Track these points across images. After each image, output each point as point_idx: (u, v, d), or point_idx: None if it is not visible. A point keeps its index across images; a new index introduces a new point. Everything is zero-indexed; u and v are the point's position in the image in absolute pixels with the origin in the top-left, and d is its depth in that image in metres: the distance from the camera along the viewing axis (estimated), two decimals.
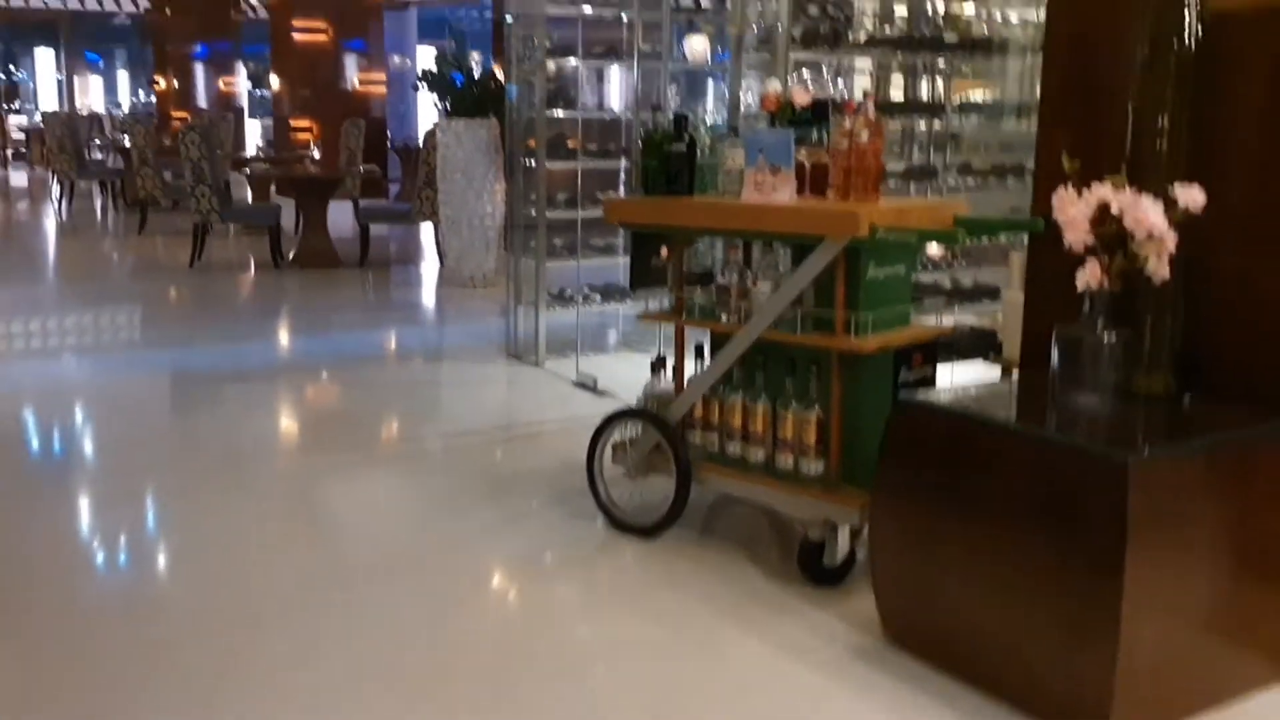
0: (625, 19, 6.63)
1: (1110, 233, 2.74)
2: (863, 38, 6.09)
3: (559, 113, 6.65)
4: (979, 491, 2.81)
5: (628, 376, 5.59)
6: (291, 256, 10.28)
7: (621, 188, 6.92)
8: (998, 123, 6.71)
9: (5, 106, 27.25)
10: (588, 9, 6.56)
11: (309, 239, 10.38)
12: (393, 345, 7.62)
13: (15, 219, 15.53)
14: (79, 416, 5.62)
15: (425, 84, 9.88)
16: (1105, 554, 2.50)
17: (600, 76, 8.64)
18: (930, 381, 3.48)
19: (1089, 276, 2.79)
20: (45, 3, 21.45)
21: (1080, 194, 2.79)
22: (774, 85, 3.96)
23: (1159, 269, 2.76)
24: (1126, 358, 2.87)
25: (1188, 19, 2.89)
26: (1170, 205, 2.73)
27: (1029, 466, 2.71)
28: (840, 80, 6.85)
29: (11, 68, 28.92)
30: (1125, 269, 2.78)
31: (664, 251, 3.96)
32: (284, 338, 7.83)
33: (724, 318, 3.67)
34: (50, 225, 14.27)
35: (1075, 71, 3.33)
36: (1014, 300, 4.78)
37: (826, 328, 3.39)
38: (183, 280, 9.56)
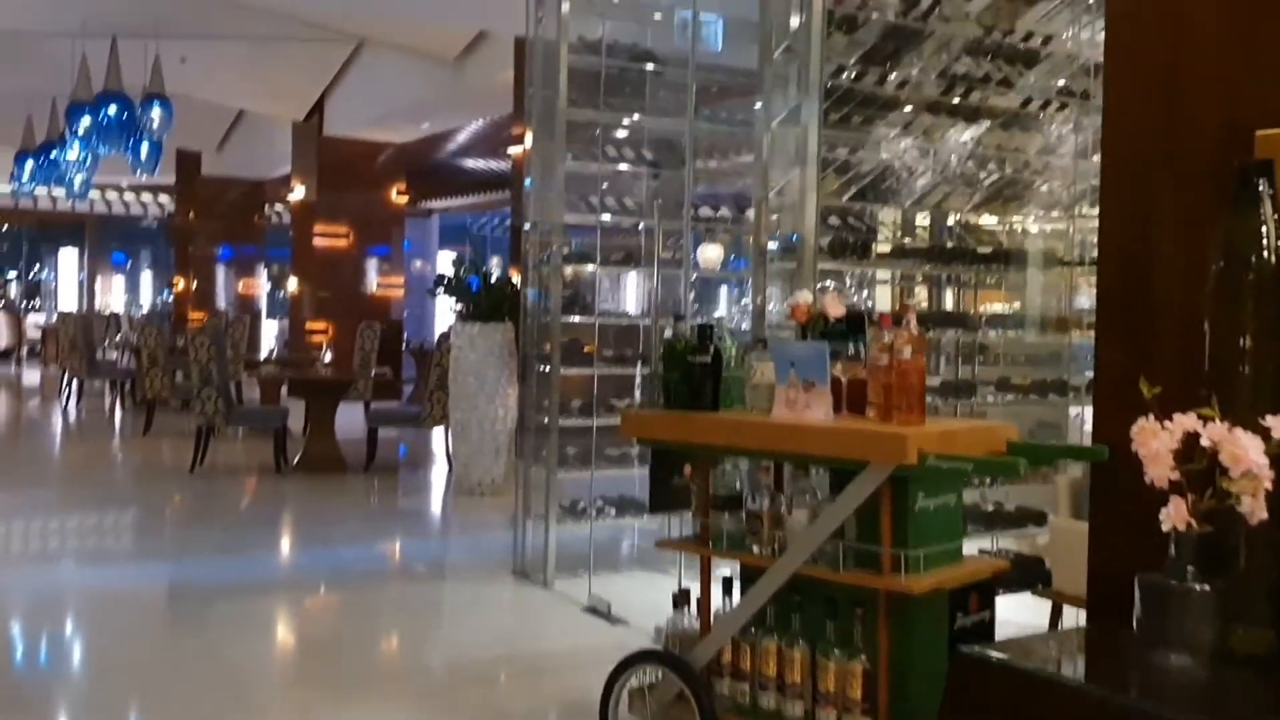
0: (643, 227, 6.53)
1: (1199, 469, 2.42)
2: (888, 248, 5.95)
3: (575, 318, 6.47)
4: None
5: (644, 601, 5.20)
6: (296, 461, 10.00)
7: (637, 393, 6.66)
8: (1024, 335, 6.49)
9: (25, 305, 27.62)
10: (606, 216, 6.45)
11: (315, 443, 10.12)
12: (393, 560, 7.23)
13: (23, 417, 15.40)
14: (67, 629, 5.37)
15: (442, 289, 9.78)
16: None
17: (619, 282, 8.53)
18: (989, 628, 3.09)
19: (1174, 517, 2.45)
20: (73, 206, 21.92)
21: (1161, 424, 2.47)
22: (804, 295, 3.70)
23: (1255, 509, 2.43)
24: (1220, 610, 2.50)
25: (1266, 233, 2.64)
26: (1266, 438, 2.42)
27: None
28: (864, 290, 6.70)
29: (37, 265, 29.47)
30: (1214, 508, 2.45)
31: (686, 470, 3.64)
32: (281, 550, 7.46)
33: (755, 549, 3.31)
34: (56, 424, 14.11)
35: (1132, 288, 3.07)
36: (1063, 527, 4.42)
37: (871, 564, 3.03)
38: (183, 485, 9.23)
